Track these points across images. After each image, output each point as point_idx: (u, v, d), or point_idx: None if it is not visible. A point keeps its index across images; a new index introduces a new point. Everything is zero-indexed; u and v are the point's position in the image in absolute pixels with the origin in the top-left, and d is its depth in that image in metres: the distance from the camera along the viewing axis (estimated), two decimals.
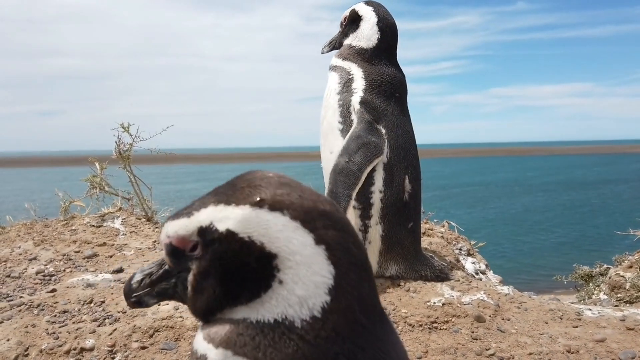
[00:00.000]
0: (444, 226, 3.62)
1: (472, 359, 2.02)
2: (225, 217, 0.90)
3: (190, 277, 0.94)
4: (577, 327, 2.25)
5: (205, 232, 0.90)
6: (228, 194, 0.92)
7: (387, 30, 2.70)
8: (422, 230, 3.40)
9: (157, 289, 0.98)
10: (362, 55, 2.71)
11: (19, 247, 3.31)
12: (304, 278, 0.87)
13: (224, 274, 0.90)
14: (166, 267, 0.98)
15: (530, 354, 2.04)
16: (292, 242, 0.87)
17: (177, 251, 0.94)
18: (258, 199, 0.89)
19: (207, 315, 0.96)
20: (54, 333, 2.13)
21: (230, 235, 0.88)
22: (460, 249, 3.33)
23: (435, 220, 3.69)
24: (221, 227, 0.89)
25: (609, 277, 3.33)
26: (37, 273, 2.86)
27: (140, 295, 0.99)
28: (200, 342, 0.94)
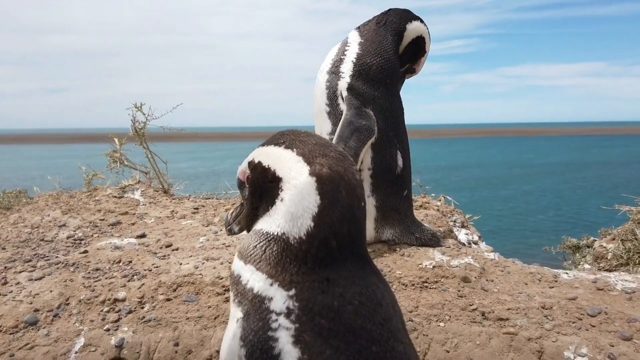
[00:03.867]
0: (440, 200, 3.86)
1: (457, 313, 2.29)
2: (260, 153, 1.28)
3: (244, 201, 1.34)
4: (553, 287, 2.51)
5: (250, 165, 1.28)
6: (268, 139, 1.31)
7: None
8: (419, 204, 3.65)
9: (238, 219, 1.40)
10: (370, 28, 2.84)
11: (48, 215, 3.61)
12: (297, 199, 1.17)
13: (254, 194, 1.27)
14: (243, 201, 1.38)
15: (509, 309, 2.30)
16: (293, 170, 1.19)
17: (241, 184, 1.34)
18: (281, 141, 1.26)
19: (250, 227, 1.33)
20: (89, 286, 2.43)
21: (259, 164, 1.26)
22: (454, 221, 3.58)
23: (432, 195, 3.93)
24: (256, 159, 1.27)
25: (594, 249, 3.58)
26: (67, 237, 3.17)
27: (231, 224, 1.41)
28: (236, 262, 1.28)
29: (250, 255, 1.21)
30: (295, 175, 1.18)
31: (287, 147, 1.23)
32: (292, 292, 1.13)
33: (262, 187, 1.24)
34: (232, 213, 1.41)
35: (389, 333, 1.16)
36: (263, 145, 1.30)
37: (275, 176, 1.21)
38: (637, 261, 3.11)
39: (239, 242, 1.37)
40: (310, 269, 1.14)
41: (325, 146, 1.23)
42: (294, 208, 1.16)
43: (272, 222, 1.20)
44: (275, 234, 1.18)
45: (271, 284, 1.15)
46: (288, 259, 1.16)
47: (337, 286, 1.13)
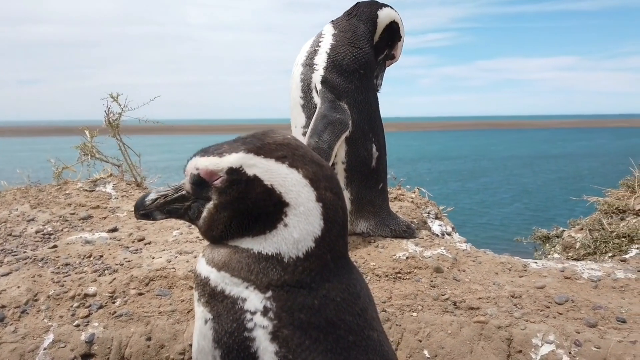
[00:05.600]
0: (414, 192, 3.90)
1: (429, 303, 2.32)
2: (254, 165, 1.13)
3: (210, 205, 1.19)
4: (522, 277, 2.57)
5: (234, 172, 1.13)
6: (257, 145, 1.15)
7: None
8: (394, 196, 3.68)
9: (168, 208, 1.25)
10: (343, 21, 2.85)
11: (17, 209, 3.52)
12: (302, 225, 1.13)
13: (241, 209, 1.15)
14: (183, 192, 1.24)
15: (480, 298, 2.34)
16: (301, 196, 1.13)
17: (201, 182, 1.18)
18: (282, 155, 1.14)
19: (216, 239, 1.22)
20: (59, 282, 2.38)
21: (256, 180, 1.12)
22: (428, 213, 3.62)
23: (407, 187, 3.97)
24: (250, 171, 1.13)
25: (563, 239, 3.67)
26: (36, 232, 3.09)
27: (151, 209, 1.25)
28: (204, 266, 1.22)
29: (231, 267, 1.16)
30: (304, 201, 1.13)
31: (291, 166, 1.13)
32: (269, 294, 1.12)
33: (259, 206, 1.13)
34: (156, 200, 1.24)
35: (364, 322, 1.19)
36: (253, 152, 1.14)
37: (281, 200, 1.13)
38: (604, 250, 3.20)
39: (207, 245, 1.30)
40: (297, 276, 1.14)
41: (319, 163, 1.19)
42: (298, 234, 1.13)
43: (268, 245, 1.15)
44: (270, 254, 1.14)
45: (246, 287, 1.13)
46: (274, 269, 1.14)
47: (322, 289, 1.15)
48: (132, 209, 3.55)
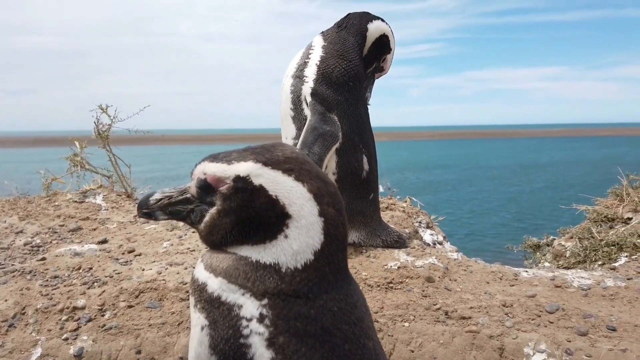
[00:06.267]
0: (406, 201, 3.92)
1: (421, 313, 2.32)
2: (261, 175, 1.15)
3: (213, 210, 1.20)
4: (513, 285, 2.58)
5: (240, 180, 1.15)
6: (266, 156, 1.17)
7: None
8: (386, 205, 3.69)
9: (171, 209, 1.26)
10: (333, 32, 2.87)
11: (5, 221, 3.48)
12: (302, 238, 1.15)
13: (244, 217, 1.16)
14: (188, 195, 1.25)
15: (471, 307, 2.35)
16: (304, 209, 1.15)
17: (207, 187, 1.20)
18: (289, 168, 1.16)
19: (216, 244, 1.23)
20: (47, 295, 2.35)
21: (262, 189, 1.14)
22: (420, 222, 3.63)
23: (398, 197, 3.98)
24: (256, 181, 1.14)
25: (553, 247, 3.69)
26: (25, 244, 3.05)
27: (154, 209, 1.25)
28: (202, 272, 1.23)
29: (229, 274, 1.17)
30: (306, 215, 1.15)
31: (297, 180, 1.15)
32: (265, 301, 1.12)
33: (262, 216, 1.15)
34: (160, 200, 1.25)
35: (360, 331, 1.20)
36: (261, 162, 1.16)
37: (284, 212, 1.14)
38: (594, 258, 3.22)
39: (205, 250, 1.30)
40: (294, 286, 1.15)
41: (324, 180, 1.21)
42: (298, 246, 1.14)
43: (267, 254, 1.16)
44: (267, 263, 1.15)
45: (243, 294, 1.14)
46: (271, 278, 1.14)
47: (319, 300, 1.16)
48: (122, 220, 3.50)
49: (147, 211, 1.26)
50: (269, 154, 1.18)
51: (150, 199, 1.26)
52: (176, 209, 1.25)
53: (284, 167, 1.16)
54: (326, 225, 1.16)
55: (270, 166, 1.15)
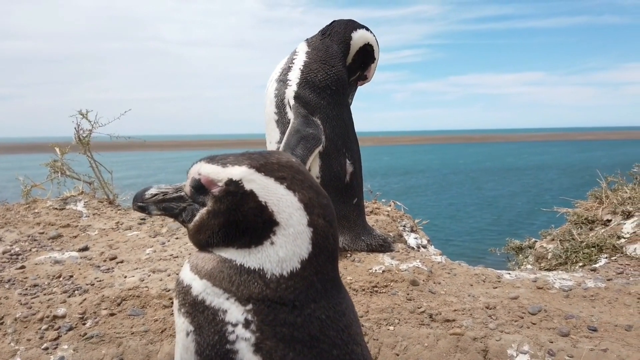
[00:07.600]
0: (390, 205, 3.93)
1: (406, 316, 2.33)
2: (253, 180, 1.16)
3: (203, 211, 1.21)
4: (496, 287, 2.60)
5: (232, 184, 1.16)
6: (260, 162, 1.19)
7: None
8: (370, 209, 3.70)
9: (164, 205, 1.27)
10: (317, 40, 2.88)
11: None
12: (289, 246, 1.15)
13: (232, 220, 1.17)
14: (182, 193, 1.26)
15: (455, 310, 2.36)
16: (293, 218, 1.15)
17: (201, 187, 1.21)
18: (282, 176, 1.17)
19: (202, 245, 1.24)
20: (26, 304, 2.30)
21: (252, 194, 1.15)
22: (404, 226, 3.65)
23: (382, 200, 4.00)
24: (248, 186, 1.15)
25: (535, 249, 3.74)
26: (3, 252, 2.99)
27: (148, 203, 1.27)
28: (187, 273, 1.23)
29: (213, 276, 1.17)
30: (294, 224, 1.15)
31: (288, 188, 1.16)
32: (250, 306, 1.12)
33: (249, 220, 1.15)
34: (155, 195, 1.28)
35: (348, 337, 1.20)
36: (255, 168, 1.16)
37: (272, 219, 1.15)
38: (574, 260, 3.27)
39: (189, 254, 1.30)
40: (279, 293, 1.14)
41: (317, 191, 1.21)
42: (284, 253, 1.14)
43: (252, 259, 1.16)
44: (252, 268, 1.15)
45: (227, 298, 1.13)
46: (256, 283, 1.14)
47: (307, 308, 1.15)
48: (104, 227, 3.44)
49: (142, 204, 1.28)
50: (264, 160, 1.19)
51: (146, 193, 1.28)
52: (169, 206, 1.27)
53: (277, 175, 1.17)
54: (315, 236, 1.16)
55: (264, 173, 1.16)
